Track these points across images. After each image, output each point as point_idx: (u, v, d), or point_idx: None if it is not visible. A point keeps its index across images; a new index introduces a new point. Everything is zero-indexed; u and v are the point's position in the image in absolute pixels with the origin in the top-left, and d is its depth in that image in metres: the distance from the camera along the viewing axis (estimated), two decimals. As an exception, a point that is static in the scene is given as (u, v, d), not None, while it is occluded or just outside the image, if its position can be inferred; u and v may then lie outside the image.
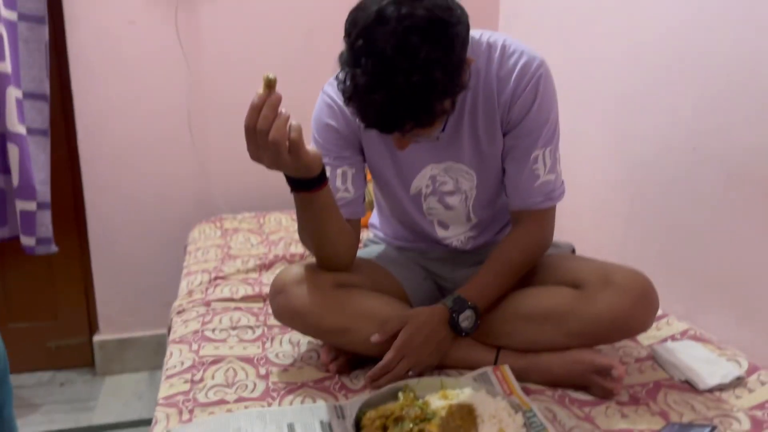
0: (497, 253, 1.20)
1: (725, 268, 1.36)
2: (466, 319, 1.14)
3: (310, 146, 1.05)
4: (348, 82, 0.95)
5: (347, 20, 0.96)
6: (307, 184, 1.05)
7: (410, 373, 1.09)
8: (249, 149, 0.98)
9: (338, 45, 2.29)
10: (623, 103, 1.65)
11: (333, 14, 2.14)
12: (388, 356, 1.09)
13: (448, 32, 0.92)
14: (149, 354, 2.30)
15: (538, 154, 1.16)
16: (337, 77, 1.00)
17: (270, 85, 0.95)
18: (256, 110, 0.94)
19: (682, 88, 1.43)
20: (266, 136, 0.94)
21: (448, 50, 0.92)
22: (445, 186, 1.23)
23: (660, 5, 1.49)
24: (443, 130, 1.15)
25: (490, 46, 1.14)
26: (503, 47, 1.13)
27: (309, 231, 1.15)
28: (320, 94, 1.23)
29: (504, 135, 1.17)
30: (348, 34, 0.96)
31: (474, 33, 1.10)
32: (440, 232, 1.30)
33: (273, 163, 0.99)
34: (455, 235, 1.30)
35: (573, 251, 1.38)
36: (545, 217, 1.21)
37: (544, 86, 1.13)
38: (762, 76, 1.24)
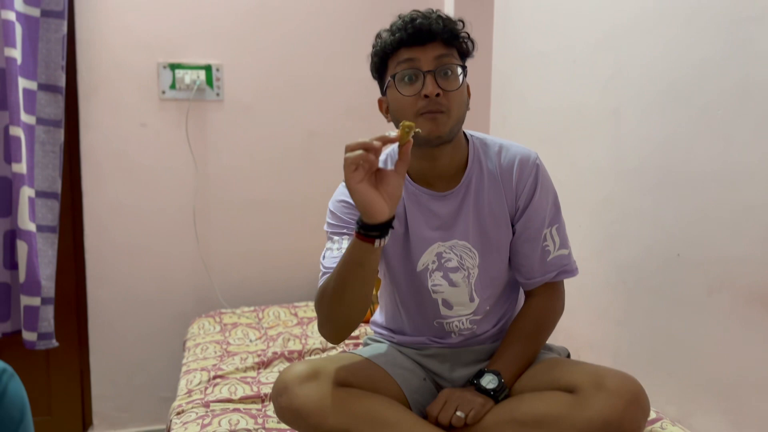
0: (512, 324, 1.35)
1: (713, 372, 1.40)
2: (489, 382, 1.24)
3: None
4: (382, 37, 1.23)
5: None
6: (376, 230, 1.09)
7: (459, 413, 1.19)
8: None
9: (336, 148, 2.43)
10: (608, 207, 1.73)
11: (332, 119, 2.32)
12: (431, 405, 1.24)
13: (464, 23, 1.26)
14: (141, 451, 2.27)
15: (546, 233, 1.31)
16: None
17: (404, 135, 1.05)
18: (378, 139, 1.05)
19: (663, 197, 1.52)
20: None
21: (464, 24, 1.25)
22: (449, 262, 1.31)
23: (641, 118, 1.60)
24: (463, 187, 1.31)
25: (487, 144, 1.34)
26: (500, 145, 1.34)
27: (342, 288, 1.16)
28: (340, 184, 1.34)
29: (514, 221, 1.32)
30: (379, 33, 1.25)
31: (473, 132, 1.36)
32: (444, 311, 1.34)
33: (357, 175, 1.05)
34: (458, 316, 1.34)
35: (568, 355, 1.42)
36: (556, 288, 1.36)
37: (542, 175, 1.31)
38: (738, 191, 1.32)
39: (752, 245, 1.29)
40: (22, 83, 1.89)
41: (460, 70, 1.23)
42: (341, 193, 1.33)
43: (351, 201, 1.28)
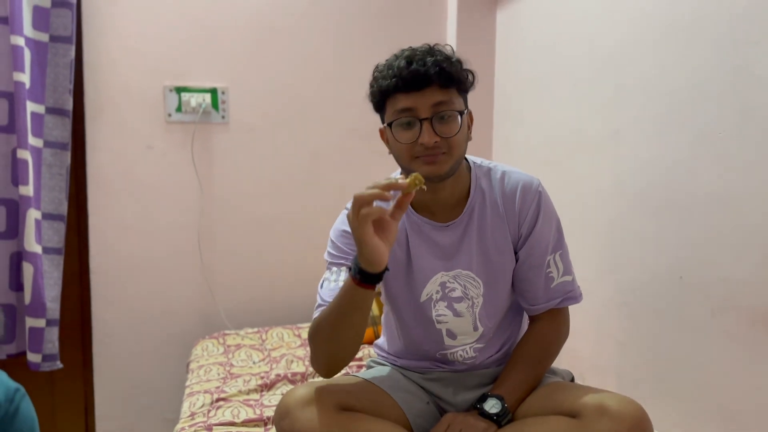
0: (516, 349, 1.34)
1: (717, 394, 1.39)
2: (492, 406, 1.23)
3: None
4: (379, 80, 1.20)
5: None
6: (375, 278, 1.10)
7: None
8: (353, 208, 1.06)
9: (340, 169, 2.45)
10: (610, 230, 1.73)
11: (335, 140, 2.34)
12: (434, 429, 1.22)
13: (462, 59, 1.22)
14: (145, 473, 2.26)
15: (550, 259, 1.31)
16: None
17: (412, 185, 1.05)
18: (385, 187, 1.04)
19: (665, 219, 1.52)
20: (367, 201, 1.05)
21: (462, 61, 1.22)
22: (453, 292, 1.31)
23: (642, 141, 1.61)
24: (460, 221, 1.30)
25: (490, 170, 1.33)
26: (503, 172, 1.33)
27: (337, 328, 1.17)
28: (342, 212, 1.35)
29: (517, 249, 1.31)
30: (375, 69, 1.23)
31: (475, 158, 1.34)
32: (448, 341, 1.34)
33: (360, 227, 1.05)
34: (462, 345, 1.34)
35: (572, 379, 1.41)
36: (560, 314, 1.35)
37: (544, 201, 1.30)
38: (740, 212, 1.33)
39: (755, 267, 1.29)
40: (30, 107, 1.92)
41: (458, 113, 1.20)
42: (343, 222, 1.32)
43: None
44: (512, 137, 2.28)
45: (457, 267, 1.30)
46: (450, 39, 2.39)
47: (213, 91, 2.22)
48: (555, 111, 1.99)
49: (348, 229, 1.28)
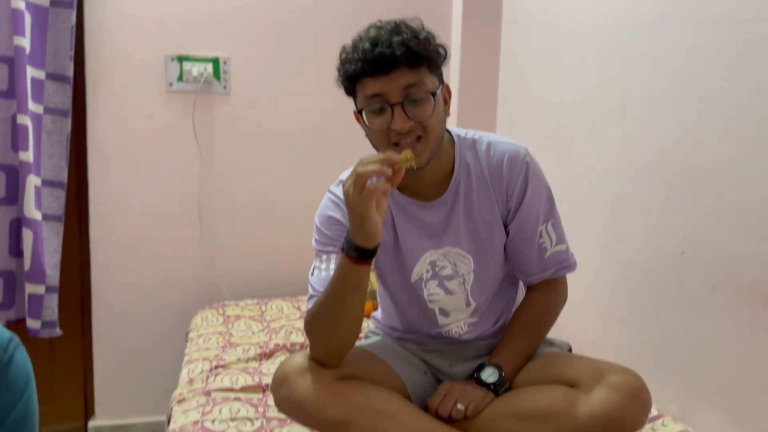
0: (512, 318, 1.34)
1: (716, 371, 1.39)
2: (489, 375, 1.23)
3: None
4: (345, 64, 1.15)
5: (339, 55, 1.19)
6: (371, 252, 1.10)
7: (459, 406, 1.18)
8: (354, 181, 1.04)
9: (342, 143, 2.42)
10: (613, 205, 1.72)
11: (337, 114, 2.31)
12: (431, 397, 1.23)
13: (432, 34, 1.15)
14: (143, 442, 2.27)
15: (542, 229, 1.28)
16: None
17: (403, 160, 1.04)
18: (383, 162, 1.03)
19: (669, 195, 1.51)
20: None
21: (432, 36, 1.15)
22: (444, 270, 1.30)
23: (648, 116, 1.60)
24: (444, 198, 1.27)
25: (476, 141, 1.29)
26: (489, 142, 1.28)
27: (338, 310, 1.16)
28: (326, 194, 1.32)
29: (507, 222, 1.29)
30: (342, 50, 1.17)
31: (460, 131, 1.30)
32: (441, 320, 1.34)
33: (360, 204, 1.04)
34: (455, 321, 1.34)
35: (570, 350, 1.41)
36: (556, 283, 1.34)
37: (533, 171, 1.27)
38: (744, 189, 1.31)
39: (758, 243, 1.28)
40: (30, 72, 1.90)
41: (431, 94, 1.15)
42: (328, 207, 1.29)
43: (339, 217, 1.26)
44: (518, 112, 2.26)
45: (446, 245, 1.28)
46: (456, 14, 2.36)
47: (215, 61, 2.20)
48: (561, 86, 1.97)
49: (335, 215, 1.27)
